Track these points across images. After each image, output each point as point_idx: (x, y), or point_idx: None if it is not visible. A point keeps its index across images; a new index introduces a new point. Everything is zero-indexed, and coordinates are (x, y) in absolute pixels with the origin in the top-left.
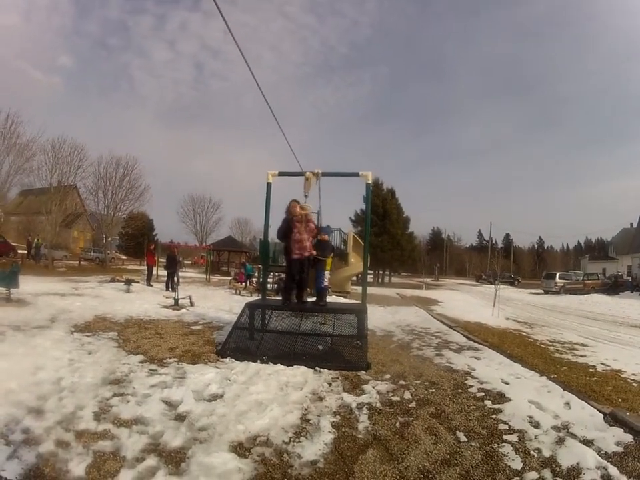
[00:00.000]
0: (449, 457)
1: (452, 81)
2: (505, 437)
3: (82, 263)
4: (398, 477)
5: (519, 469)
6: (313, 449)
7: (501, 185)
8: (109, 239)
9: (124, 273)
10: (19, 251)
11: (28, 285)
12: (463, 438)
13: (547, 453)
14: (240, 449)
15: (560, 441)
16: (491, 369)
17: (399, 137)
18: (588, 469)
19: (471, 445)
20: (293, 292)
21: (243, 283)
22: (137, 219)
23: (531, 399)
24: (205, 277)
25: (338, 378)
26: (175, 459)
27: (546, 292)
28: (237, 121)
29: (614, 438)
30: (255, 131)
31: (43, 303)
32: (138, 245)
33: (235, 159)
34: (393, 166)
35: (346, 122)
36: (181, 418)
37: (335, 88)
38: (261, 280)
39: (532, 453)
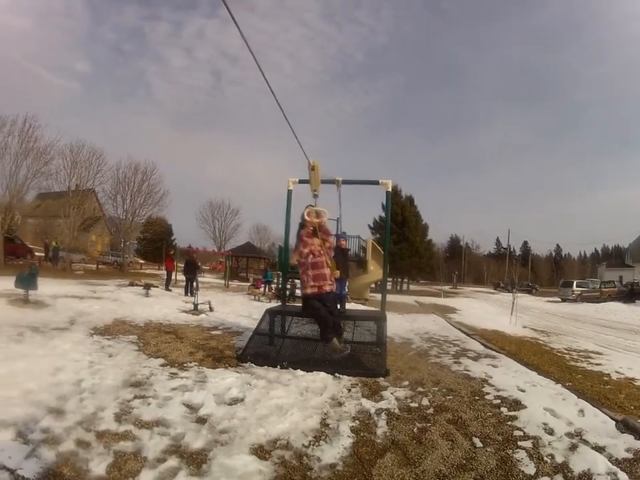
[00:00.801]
0: (464, 461)
1: (467, 88)
2: (519, 443)
3: (100, 266)
4: None
5: (533, 474)
6: (332, 453)
7: (518, 192)
8: (127, 243)
9: (142, 277)
10: (36, 254)
11: (46, 287)
12: (478, 444)
13: (559, 459)
14: (260, 452)
15: (573, 448)
16: (507, 377)
17: (415, 144)
18: (598, 474)
19: (486, 451)
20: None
21: (262, 289)
22: (156, 224)
23: (546, 406)
24: (223, 282)
25: (357, 384)
26: (197, 460)
27: (563, 300)
28: (256, 127)
29: (625, 445)
30: (275, 138)
31: (62, 305)
32: (156, 249)
33: (255, 166)
34: (410, 173)
35: (362, 129)
36: (202, 421)
37: (352, 95)
38: (280, 286)
39: (545, 458)
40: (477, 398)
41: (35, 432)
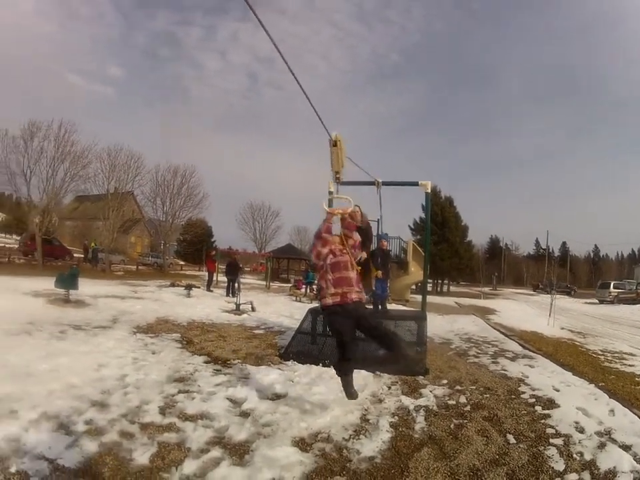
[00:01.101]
0: (497, 457)
1: (504, 86)
2: (551, 440)
3: (140, 267)
4: (449, 473)
5: (562, 470)
6: (371, 446)
7: (557, 192)
8: (167, 244)
9: (183, 278)
10: (75, 255)
11: (86, 287)
12: (512, 440)
13: (588, 457)
14: (302, 444)
15: (601, 446)
16: (543, 377)
17: (451, 144)
18: (623, 472)
19: (519, 447)
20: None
21: (303, 290)
22: (196, 226)
23: (578, 405)
24: (264, 283)
25: (397, 382)
26: (239, 451)
27: (600, 302)
28: (293, 129)
29: None
30: (310, 139)
31: (103, 304)
32: (196, 251)
33: (293, 167)
34: (447, 173)
35: (395, 129)
36: (245, 414)
37: (385, 95)
38: None
39: (575, 456)
40: (512, 397)
41: (77, 424)
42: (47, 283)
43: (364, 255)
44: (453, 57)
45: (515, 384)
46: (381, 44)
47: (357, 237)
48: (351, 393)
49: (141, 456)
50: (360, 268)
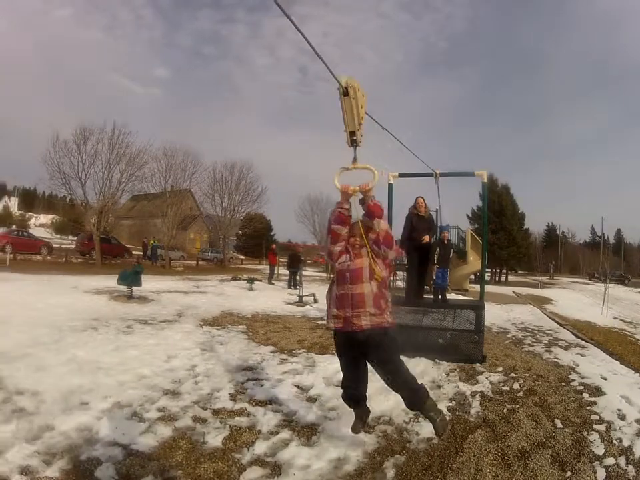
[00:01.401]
0: (544, 440)
1: (559, 71)
2: (594, 426)
3: (200, 262)
4: (499, 454)
5: (601, 454)
6: (430, 428)
7: (612, 177)
8: (227, 239)
9: (244, 272)
10: (134, 253)
11: (148, 283)
12: (559, 425)
13: (626, 443)
14: (366, 426)
15: (639, 433)
16: (593, 365)
17: (503, 132)
18: None
19: (564, 431)
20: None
21: None
22: (255, 220)
23: (622, 394)
24: (325, 275)
25: (455, 369)
26: (307, 432)
27: None
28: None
29: None
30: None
31: (167, 299)
32: (256, 245)
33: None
34: (500, 161)
35: (447, 118)
36: (312, 400)
37: (434, 84)
38: None
39: (614, 441)
40: (563, 384)
41: (150, 411)
42: (107, 281)
43: (426, 238)
44: (500, 44)
45: (566, 372)
46: (429, 32)
47: (381, 226)
48: (356, 425)
49: (214, 439)
50: (381, 278)
